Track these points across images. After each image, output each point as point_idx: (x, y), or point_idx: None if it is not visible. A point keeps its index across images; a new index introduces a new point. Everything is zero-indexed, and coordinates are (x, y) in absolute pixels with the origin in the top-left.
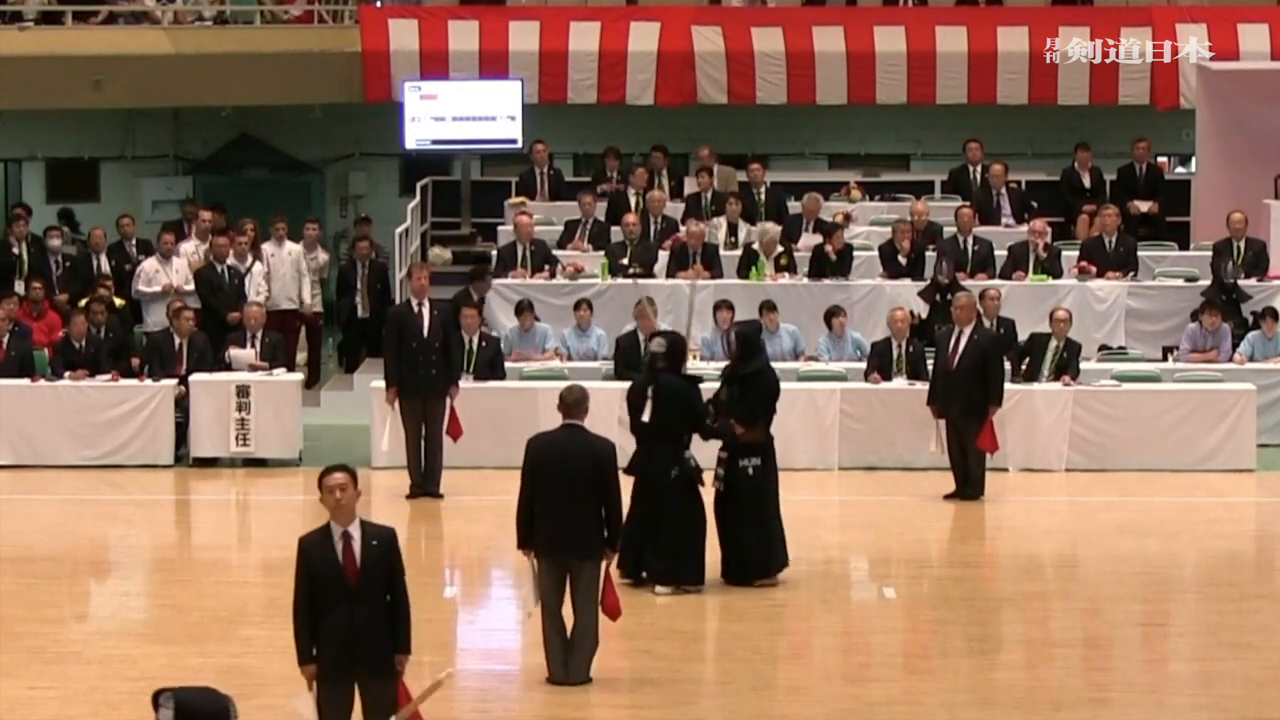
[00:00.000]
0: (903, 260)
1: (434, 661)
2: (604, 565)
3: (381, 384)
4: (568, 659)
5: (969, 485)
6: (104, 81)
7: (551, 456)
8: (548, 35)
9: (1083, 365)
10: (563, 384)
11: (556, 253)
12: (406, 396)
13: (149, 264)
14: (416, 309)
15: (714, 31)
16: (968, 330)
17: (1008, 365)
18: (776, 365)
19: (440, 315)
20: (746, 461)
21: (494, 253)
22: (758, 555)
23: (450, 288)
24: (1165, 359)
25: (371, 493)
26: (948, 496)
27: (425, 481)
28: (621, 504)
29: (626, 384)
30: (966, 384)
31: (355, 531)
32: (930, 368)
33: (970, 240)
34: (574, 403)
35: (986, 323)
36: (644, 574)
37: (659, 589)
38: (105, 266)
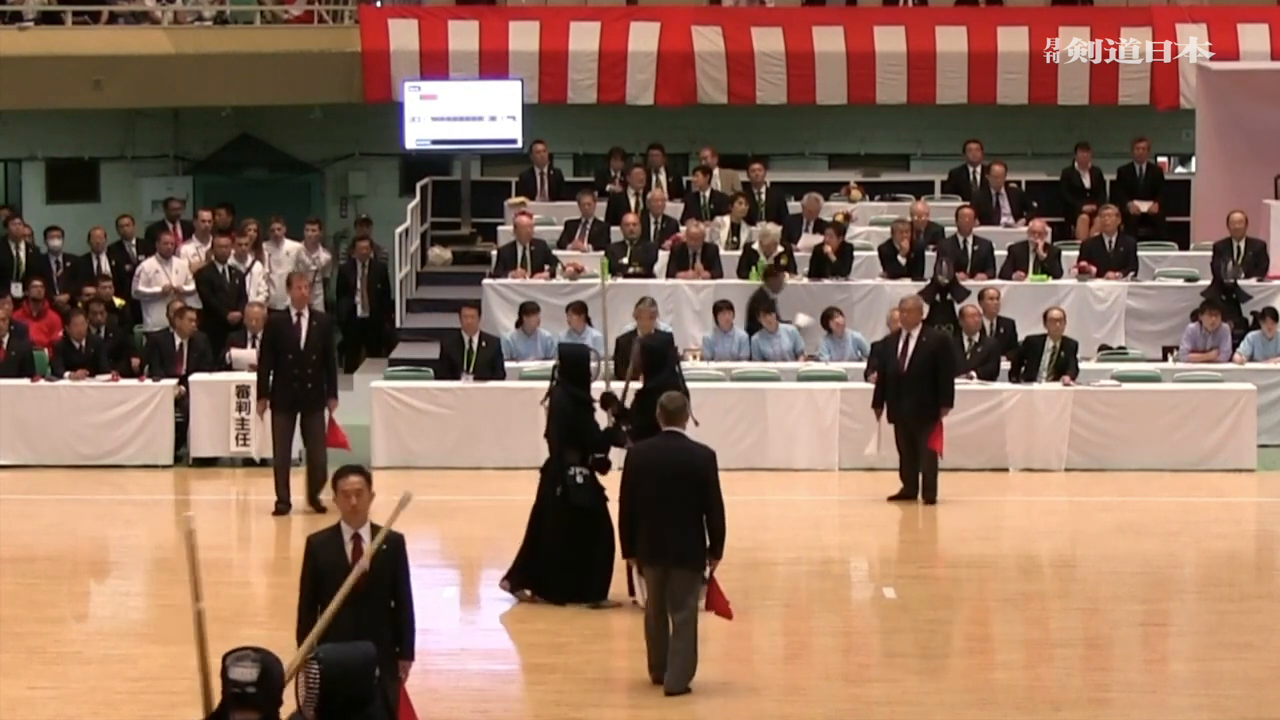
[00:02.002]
0: (903, 260)
1: (434, 662)
2: (709, 571)
3: (381, 383)
4: (666, 669)
5: (924, 490)
6: (104, 81)
7: (649, 463)
8: (548, 35)
9: (1083, 365)
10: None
11: (556, 253)
12: (279, 409)
13: (149, 264)
14: (295, 319)
15: (714, 31)
16: (915, 333)
17: (1006, 366)
18: (776, 365)
19: (319, 326)
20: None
21: (494, 253)
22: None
23: (450, 288)
24: (1165, 359)
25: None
26: (892, 498)
27: (310, 495)
28: (723, 510)
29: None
30: (918, 387)
31: (366, 534)
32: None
33: (970, 240)
34: (675, 410)
35: (986, 323)
36: (527, 590)
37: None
38: (105, 266)
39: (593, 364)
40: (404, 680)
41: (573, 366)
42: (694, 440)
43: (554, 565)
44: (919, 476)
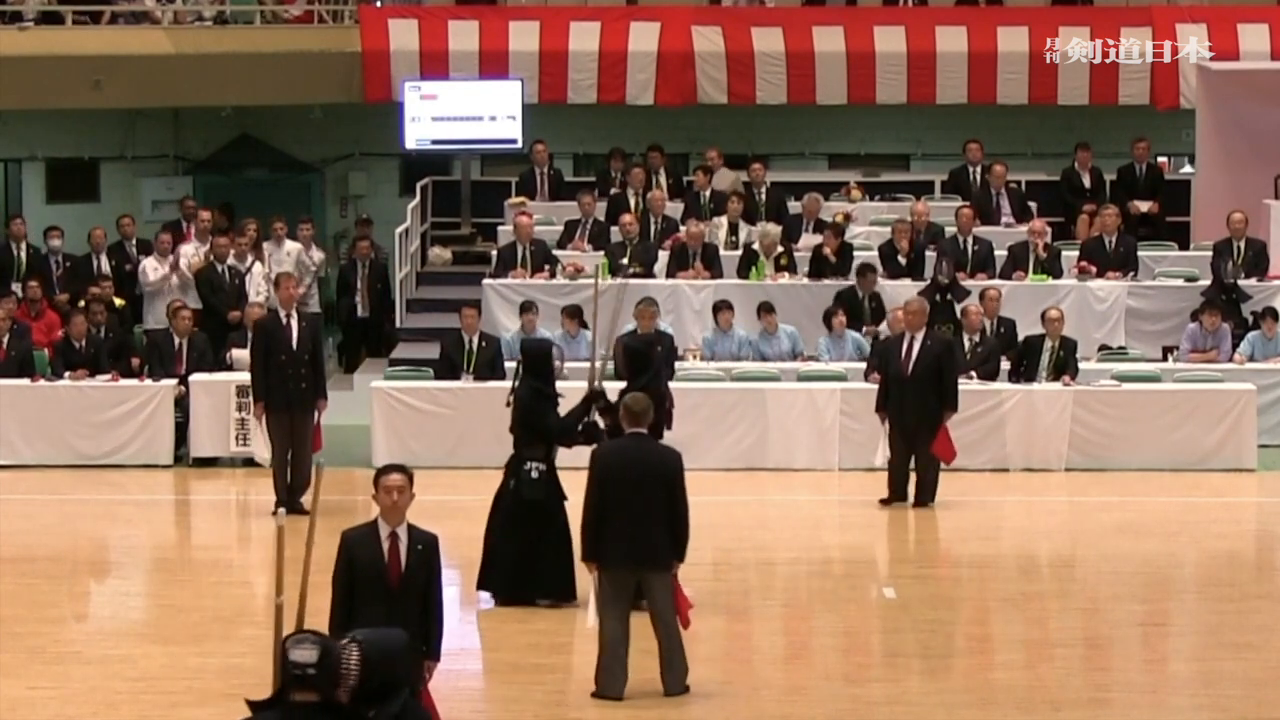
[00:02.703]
0: (903, 260)
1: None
2: (673, 574)
3: (381, 383)
4: (664, 673)
5: (921, 491)
6: (104, 81)
7: (620, 465)
8: (548, 35)
9: (1082, 365)
10: (560, 384)
11: (556, 253)
12: (274, 410)
13: (149, 263)
14: (284, 320)
15: (714, 31)
16: (919, 336)
17: (1006, 366)
18: (776, 366)
19: (308, 327)
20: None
21: (494, 253)
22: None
23: (450, 288)
24: (1165, 359)
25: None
26: (883, 502)
27: (290, 496)
28: (688, 512)
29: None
30: (922, 391)
31: (403, 533)
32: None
33: (970, 240)
34: (640, 412)
35: (987, 323)
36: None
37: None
38: (105, 266)
39: (556, 361)
40: (428, 680)
41: (535, 361)
42: (661, 442)
43: (508, 564)
44: (909, 480)
